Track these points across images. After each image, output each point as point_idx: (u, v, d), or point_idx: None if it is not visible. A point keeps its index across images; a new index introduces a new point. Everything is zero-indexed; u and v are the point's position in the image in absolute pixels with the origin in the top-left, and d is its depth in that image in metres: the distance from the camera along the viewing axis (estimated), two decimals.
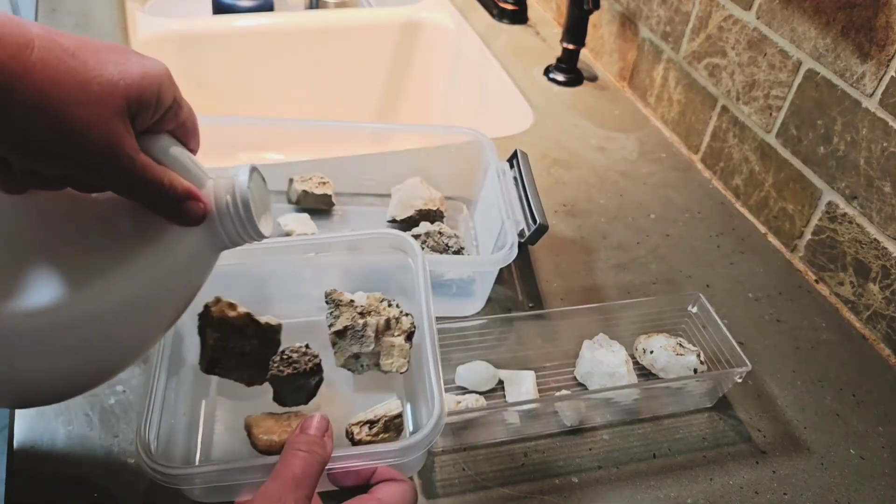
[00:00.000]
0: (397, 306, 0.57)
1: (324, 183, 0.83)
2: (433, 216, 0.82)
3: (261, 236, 0.43)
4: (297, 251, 0.59)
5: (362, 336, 0.55)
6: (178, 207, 0.39)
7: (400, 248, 0.60)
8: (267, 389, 0.55)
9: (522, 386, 0.66)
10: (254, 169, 0.42)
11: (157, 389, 0.50)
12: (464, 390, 0.66)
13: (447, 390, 0.66)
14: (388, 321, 0.56)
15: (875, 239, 0.76)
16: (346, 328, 0.55)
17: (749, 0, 0.88)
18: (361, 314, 0.56)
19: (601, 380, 0.66)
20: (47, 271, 0.37)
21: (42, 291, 0.37)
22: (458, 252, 0.76)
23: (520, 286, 0.78)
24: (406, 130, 0.90)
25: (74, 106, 0.34)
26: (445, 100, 1.35)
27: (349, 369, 0.56)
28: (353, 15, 1.35)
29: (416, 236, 0.77)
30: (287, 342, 0.56)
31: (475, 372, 0.66)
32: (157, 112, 0.39)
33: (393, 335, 0.55)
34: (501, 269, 0.73)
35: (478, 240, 0.83)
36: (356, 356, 0.55)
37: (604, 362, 0.66)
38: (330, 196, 0.82)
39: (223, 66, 1.23)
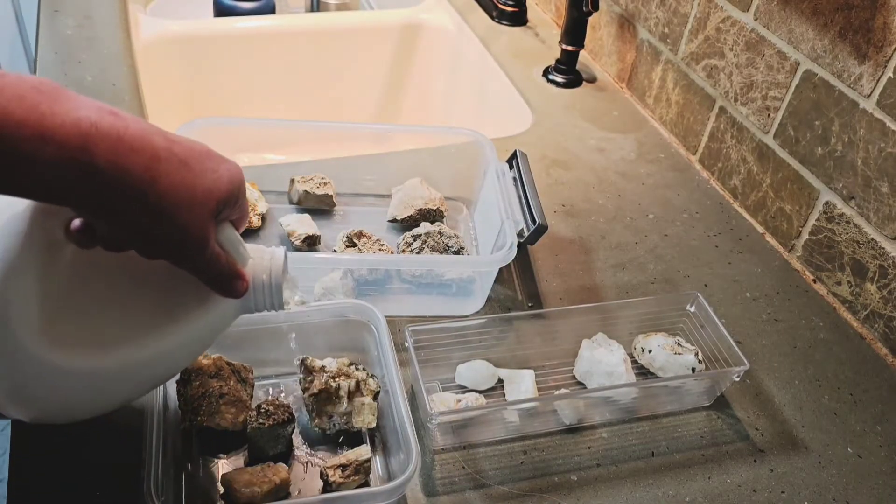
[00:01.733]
0: (363, 369, 0.62)
1: (325, 183, 0.83)
2: (433, 216, 0.83)
3: (282, 307, 0.51)
4: (275, 320, 0.64)
5: (336, 398, 0.60)
6: (229, 285, 0.47)
7: (363, 316, 0.65)
8: (234, 447, 0.60)
9: (522, 385, 0.66)
10: (286, 253, 0.51)
11: (154, 447, 0.52)
12: (464, 389, 0.67)
13: (447, 389, 0.67)
14: (357, 383, 0.61)
15: (872, 239, 0.77)
16: (321, 391, 0.60)
17: (747, 1, 0.88)
18: (334, 378, 0.60)
19: (600, 379, 0.67)
20: (112, 320, 0.45)
21: (108, 338, 0.44)
22: (458, 252, 0.77)
23: (519, 286, 0.78)
24: (406, 131, 0.90)
25: (184, 209, 0.41)
26: (445, 101, 1.35)
27: (322, 428, 0.61)
28: (354, 17, 1.36)
29: (416, 236, 0.77)
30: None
31: (475, 371, 0.67)
32: (234, 209, 0.47)
33: (363, 395, 0.61)
34: (501, 269, 0.74)
35: (477, 240, 0.84)
36: (330, 416, 0.60)
37: (602, 361, 0.67)
38: (331, 196, 0.83)
39: (224, 67, 1.24)
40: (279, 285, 0.49)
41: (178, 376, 0.61)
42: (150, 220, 0.41)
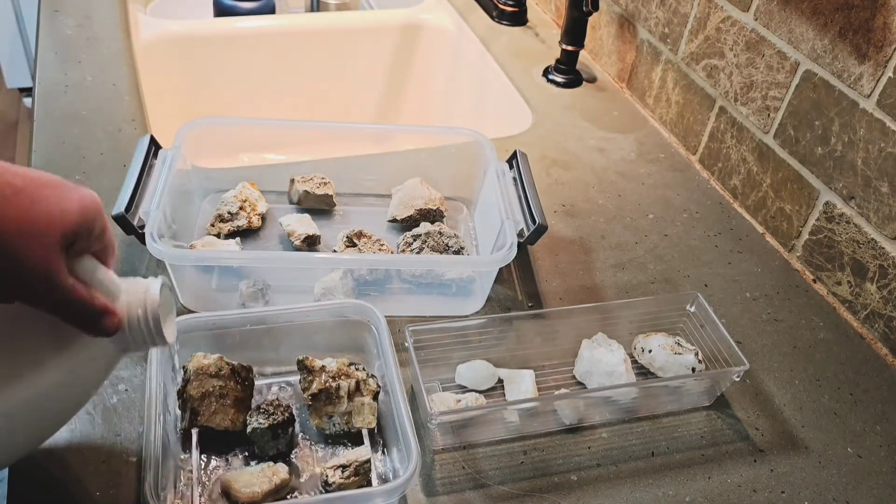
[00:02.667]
0: (363, 369, 0.62)
1: (325, 183, 0.83)
2: (433, 216, 0.83)
3: (164, 343, 0.47)
4: (274, 321, 0.64)
5: (336, 398, 0.60)
6: (96, 322, 0.43)
7: (363, 316, 0.65)
8: (234, 448, 0.60)
9: (522, 385, 0.66)
10: (163, 284, 0.47)
11: (155, 447, 0.53)
12: (464, 389, 0.67)
13: (447, 389, 0.67)
14: (357, 383, 0.61)
15: (872, 239, 0.77)
16: (321, 391, 0.60)
17: (747, 1, 0.88)
18: (334, 378, 0.60)
19: (600, 379, 0.67)
20: None
21: None
22: (458, 252, 0.77)
23: (519, 286, 0.78)
24: (406, 131, 0.90)
25: (17, 238, 0.38)
26: (445, 101, 1.35)
27: (321, 428, 0.61)
28: (354, 17, 1.36)
29: (417, 236, 0.77)
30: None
31: (475, 371, 0.67)
32: (90, 239, 0.44)
33: (362, 395, 0.61)
34: (501, 269, 0.74)
35: (477, 240, 0.84)
36: (329, 416, 0.60)
37: (602, 361, 0.67)
38: (331, 196, 0.83)
39: (224, 67, 1.24)
40: (157, 319, 0.45)
41: (178, 377, 0.61)
42: None
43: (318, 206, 0.83)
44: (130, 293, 0.46)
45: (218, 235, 0.77)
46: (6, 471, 0.55)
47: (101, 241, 0.45)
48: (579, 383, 0.69)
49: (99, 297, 0.44)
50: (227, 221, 0.78)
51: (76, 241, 0.42)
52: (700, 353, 0.68)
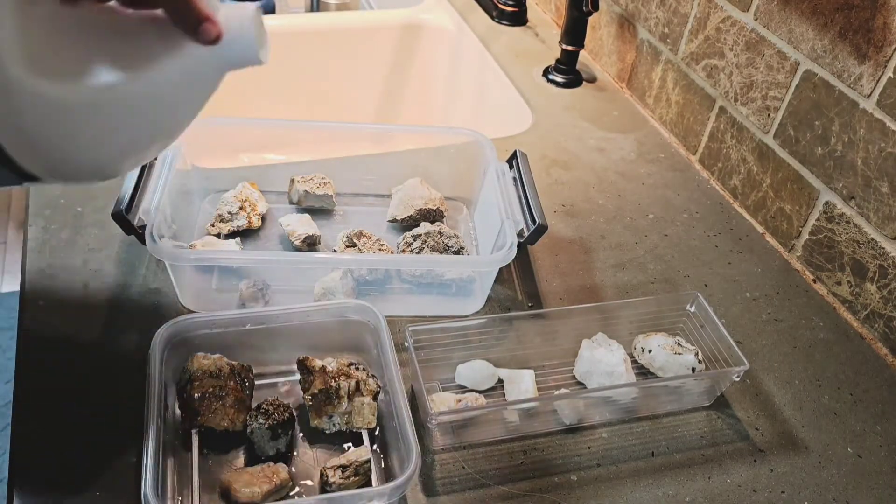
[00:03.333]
0: (363, 369, 0.62)
1: (325, 183, 0.83)
2: (433, 216, 0.83)
3: (259, 62, 0.51)
4: (274, 321, 0.64)
5: (336, 398, 0.60)
6: (198, 26, 0.48)
7: (363, 316, 0.65)
8: (234, 448, 0.60)
9: (522, 384, 0.66)
10: (258, 7, 0.51)
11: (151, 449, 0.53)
12: (464, 389, 0.67)
13: (447, 389, 0.67)
14: (357, 383, 0.61)
15: (872, 239, 0.77)
16: (321, 391, 0.60)
17: (747, 1, 0.88)
18: (334, 378, 0.60)
19: (600, 378, 0.67)
20: (93, 59, 0.47)
21: (90, 73, 0.46)
22: (458, 252, 0.77)
23: (519, 286, 0.78)
24: (406, 131, 0.90)
25: None
26: (445, 101, 1.35)
27: (321, 428, 0.61)
28: (354, 17, 1.36)
29: (416, 236, 0.77)
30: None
31: (475, 370, 0.67)
32: None
33: (362, 395, 0.61)
34: (501, 269, 0.74)
35: (477, 240, 0.84)
36: (329, 416, 0.60)
37: (602, 361, 0.67)
38: (331, 196, 0.83)
39: None
40: (251, 34, 0.50)
41: (178, 377, 0.61)
42: None
43: (318, 206, 0.83)
44: (229, 10, 0.50)
45: (218, 235, 0.77)
46: (6, 471, 0.55)
47: None
48: (579, 383, 0.69)
49: (204, 3, 0.48)
50: (227, 221, 0.78)
51: None
52: (700, 353, 0.68)
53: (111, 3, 0.48)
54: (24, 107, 0.44)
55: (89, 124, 0.48)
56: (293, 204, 0.84)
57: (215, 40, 0.48)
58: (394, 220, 0.83)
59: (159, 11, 0.48)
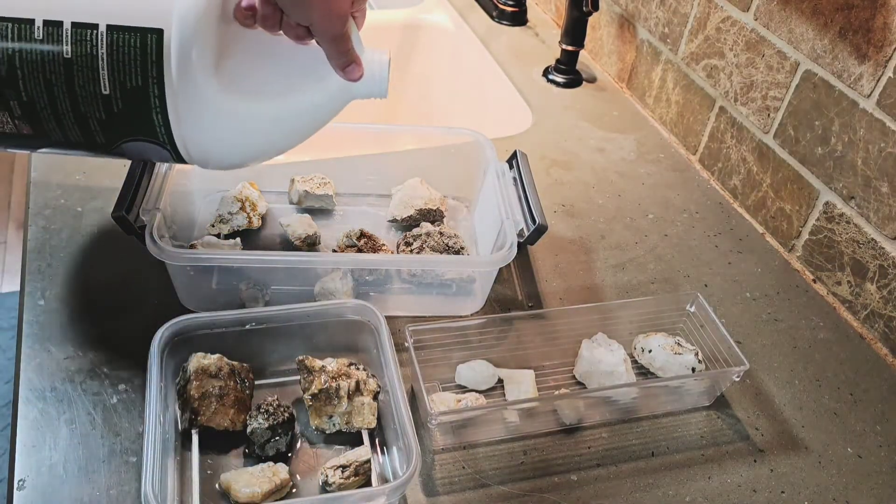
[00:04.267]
0: (364, 369, 0.62)
1: (325, 183, 0.83)
2: (433, 216, 0.83)
3: (384, 97, 0.63)
4: (274, 321, 0.65)
5: (336, 398, 0.60)
6: (349, 66, 0.58)
7: (363, 316, 0.65)
8: (234, 448, 0.60)
9: (522, 385, 0.66)
10: (389, 54, 0.61)
11: (154, 449, 0.53)
12: (464, 389, 0.67)
13: (447, 389, 0.67)
14: (357, 383, 0.61)
15: (872, 239, 0.77)
16: (321, 391, 0.60)
17: (747, 1, 0.88)
18: (334, 378, 0.60)
19: (600, 378, 0.67)
20: (264, 78, 0.57)
21: (261, 90, 0.57)
22: (458, 252, 0.77)
23: (519, 286, 0.78)
24: (406, 131, 0.90)
25: None
26: (445, 101, 1.35)
27: (321, 428, 0.61)
28: None
29: (417, 236, 0.77)
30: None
31: (475, 371, 0.67)
32: (360, 4, 0.58)
33: (362, 395, 0.61)
34: (501, 269, 0.74)
35: (477, 240, 0.84)
36: (329, 416, 0.60)
37: (602, 361, 0.67)
38: (331, 196, 0.83)
39: None
40: (385, 77, 0.60)
41: (178, 377, 0.61)
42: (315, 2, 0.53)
43: (319, 206, 0.83)
44: (368, 55, 0.60)
45: (218, 235, 0.77)
46: (6, 471, 0.55)
47: (361, 9, 0.59)
48: (579, 383, 0.69)
49: (354, 48, 0.58)
50: (227, 221, 0.78)
51: (356, 1, 0.57)
52: (700, 353, 0.68)
53: (279, 32, 0.57)
54: (207, 113, 0.54)
55: (246, 131, 0.58)
56: (293, 204, 0.84)
57: (358, 79, 0.59)
58: (394, 220, 0.83)
59: (314, 44, 0.58)
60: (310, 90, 0.59)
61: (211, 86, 0.54)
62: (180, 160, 0.58)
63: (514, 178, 0.78)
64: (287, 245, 0.79)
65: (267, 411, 0.59)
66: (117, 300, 0.70)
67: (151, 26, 0.51)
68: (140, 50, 0.51)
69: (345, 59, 0.58)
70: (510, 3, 1.30)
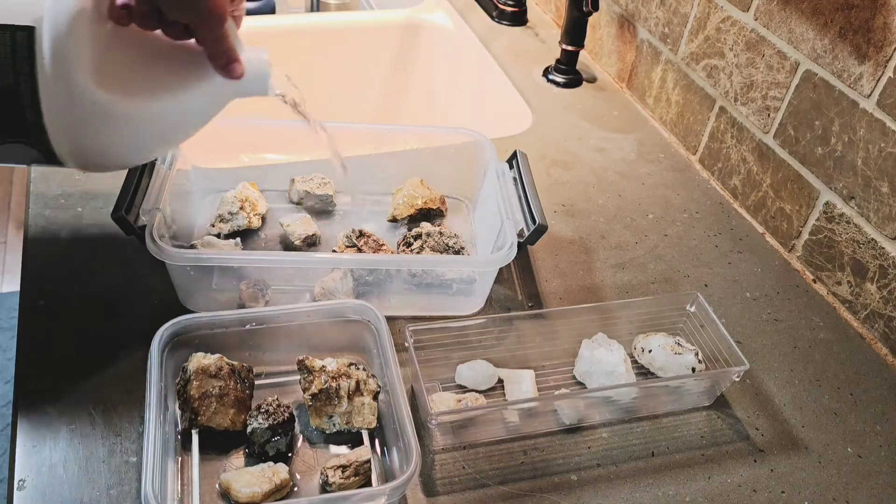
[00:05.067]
0: (364, 369, 0.62)
1: (325, 183, 0.83)
2: (433, 216, 0.83)
3: (266, 94, 0.63)
4: (274, 321, 0.64)
5: (336, 398, 0.60)
6: (229, 65, 0.58)
7: (363, 316, 0.65)
8: (234, 448, 0.60)
9: (522, 385, 0.66)
10: (268, 53, 0.62)
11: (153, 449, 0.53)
12: (464, 389, 0.67)
13: (447, 389, 0.67)
14: (357, 383, 0.61)
15: (872, 239, 0.77)
16: (321, 391, 0.60)
17: (747, 1, 0.88)
18: (334, 378, 0.60)
19: (600, 378, 0.67)
20: (141, 78, 0.56)
21: (138, 90, 0.55)
22: (459, 252, 0.77)
23: (519, 286, 0.78)
24: (406, 131, 0.90)
25: None
26: (445, 101, 1.35)
27: (321, 428, 0.61)
28: (354, 17, 1.36)
29: (417, 236, 0.77)
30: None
31: (475, 370, 0.67)
32: (238, 2, 0.58)
33: (362, 395, 0.61)
34: (501, 269, 0.74)
35: (477, 240, 0.84)
36: (329, 416, 0.60)
37: (602, 361, 0.67)
38: (331, 196, 0.83)
39: None
40: (266, 74, 0.61)
41: (178, 377, 0.61)
42: None
43: (319, 206, 0.83)
44: (248, 53, 0.59)
45: (218, 235, 0.77)
46: (6, 471, 0.55)
47: (239, 9, 0.59)
48: (579, 383, 0.69)
49: (235, 46, 0.57)
50: (227, 221, 0.78)
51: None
52: (700, 353, 0.68)
53: (157, 31, 0.56)
54: (81, 109, 0.53)
55: (124, 129, 0.56)
56: (293, 204, 0.84)
57: (239, 77, 0.59)
58: (394, 220, 0.83)
59: (194, 43, 0.57)
60: (191, 89, 0.58)
61: (86, 85, 0.52)
62: (54, 162, 0.56)
63: (514, 178, 0.78)
64: (287, 245, 0.79)
65: (267, 411, 0.59)
66: (117, 300, 0.70)
67: (22, 24, 0.50)
68: (10, 48, 0.50)
69: (225, 58, 0.57)
70: (510, 3, 1.30)
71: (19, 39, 0.50)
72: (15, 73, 0.51)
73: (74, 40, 0.51)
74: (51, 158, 0.55)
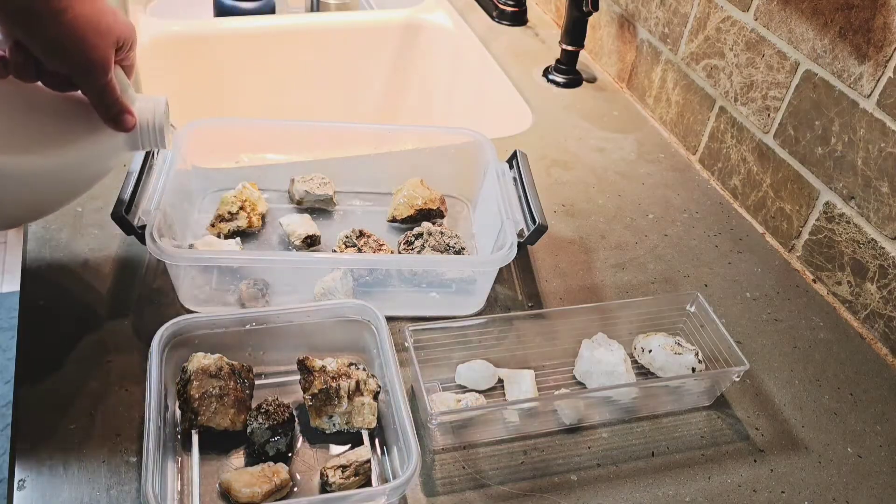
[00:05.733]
0: (364, 369, 0.62)
1: (325, 183, 0.83)
2: (433, 216, 0.83)
3: (165, 148, 0.60)
4: (274, 321, 0.64)
5: (336, 398, 0.60)
6: (118, 116, 0.55)
7: (363, 316, 0.65)
8: (234, 448, 0.60)
9: (522, 385, 0.66)
10: (166, 102, 0.59)
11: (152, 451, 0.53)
12: (464, 389, 0.67)
13: (447, 389, 0.67)
14: (357, 383, 0.61)
15: (872, 239, 0.77)
16: (321, 391, 0.60)
17: (747, 1, 0.88)
18: (334, 378, 0.60)
19: (600, 378, 0.67)
20: (28, 134, 0.53)
21: (27, 147, 0.53)
22: (459, 252, 0.77)
23: (519, 286, 0.78)
24: (406, 131, 0.90)
25: (91, 34, 0.51)
26: (445, 101, 1.35)
27: (322, 428, 0.61)
28: (354, 17, 1.36)
29: (417, 236, 0.77)
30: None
31: (475, 370, 0.67)
32: (126, 51, 0.55)
33: (362, 395, 0.61)
34: (501, 269, 0.74)
35: (477, 240, 0.84)
36: (330, 416, 0.60)
37: (602, 361, 0.67)
38: (331, 196, 0.83)
39: (225, 67, 1.24)
40: (162, 126, 0.58)
41: (178, 377, 0.61)
42: (64, 39, 0.50)
43: (318, 207, 0.83)
44: (142, 103, 0.57)
45: (218, 235, 0.77)
46: (6, 471, 0.55)
47: (129, 59, 0.57)
48: (579, 383, 0.69)
49: (124, 98, 0.55)
50: (227, 221, 0.78)
51: (121, 48, 0.54)
52: (700, 353, 0.68)
53: (37, 83, 0.54)
54: None
55: (12, 188, 0.53)
56: (293, 204, 0.84)
57: (131, 129, 0.57)
58: (394, 220, 0.83)
59: (80, 94, 0.54)
60: (82, 142, 0.55)
61: None
62: None
63: (514, 178, 0.78)
64: (287, 245, 0.79)
65: (267, 411, 0.59)
66: (117, 300, 0.70)
67: None
68: None
69: (113, 110, 0.55)
70: (510, 3, 1.30)
71: None
72: None
73: None
74: None
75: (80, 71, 0.52)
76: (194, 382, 0.59)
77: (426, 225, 0.78)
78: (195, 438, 0.58)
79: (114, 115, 0.55)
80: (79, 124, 0.55)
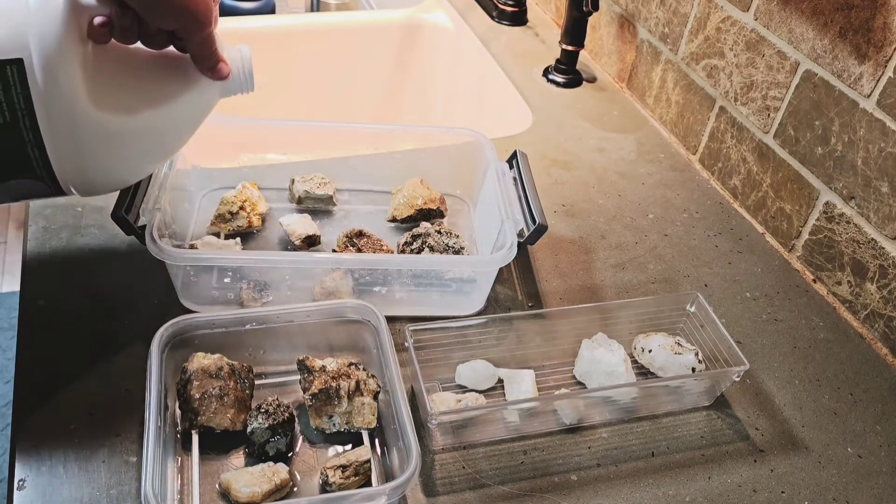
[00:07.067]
0: (364, 369, 0.62)
1: (325, 183, 0.83)
2: (433, 216, 0.83)
3: (252, 89, 0.63)
4: (274, 321, 0.65)
5: (336, 398, 0.60)
6: (216, 65, 0.58)
7: (363, 316, 0.65)
8: (234, 448, 0.60)
9: (522, 384, 0.66)
10: (250, 49, 0.62)
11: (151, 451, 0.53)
12: (464, 389, 0.67)
13: (447, 389, 0.67)
14: (357, 383, 0.61)
15: (872, 239, 0.77)
16: (321, 391, 0.60)
17: (747, 1, 0.88)
18: (334, 378, 0.60)
19: (600, 378, 0.67)
20: (132, 93, 0.56)
21: (132, 106, 0.56)
22: (459, 252, 0.77)
23: (519, 286, 0.78)
24: (406, 131, 0.90)
25: None
26: (445, 101, 1.35)
27: (322, 428, 0.61)
28: (354, 17, 1.36)
29: (417, 236, 0.77)
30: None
31: (475, 370, 0.67)
32: (217, 5, 0.57)
33: (362, 395, 0.61)
34: (501, 269, 0.74)
35: (477, 240, 0.84)
36: (330, 416, 0.60)
37: (602, 361, 0.67)
38: (331, 196, 0.83)
39: None
40: (251, 71, 0.61)
41: (178, 377, 0.61)
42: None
43: (319, 206, 0.83)
44: (230, 52, 0.60)
45: (218, 235, 0.77)
46: (6, 471, 0.55)
47: (216, 8, 0.58)
48: (579, 383, 0.69)
49: (219, 48, 0.58)
50: (228, 221, 0.78)
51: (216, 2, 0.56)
52: (700, 353, 0.68)
53: (137, 45, 0.56)
54: (85, 136, 0.53)
55: (125, 146, 0.56)
56: (293, 203, 0.84)
57: (226, 77, 0.59)
58: (394, 220, 0.83)
59: (172, 50, 0.57)
60: (179, 96, 0.58)
61: (86, 107, 0.52)
62: (59, 193, 0.56)
63: (514, 178, 0.78)
64: (287, 245, 0.79)
65: (267, 411, 0.59)
66: (117, 300, 0.70)
67: (9, 57, 0.49)
68: (2, 83, 0.49)
69: (213, 60, 0.58)
70: (510, 3, 1.30)
71: (10, 74, 0.49)
72: (11, 109, 0.50)
73: (67, 65, 0.50)
74: (58, 189, 0.55)
75: (186, 24, 0.54)
76: (194, 382, 0.59)
77: (426, 225, 0.78)
78: (195, 438, 0.58)
79: (212, 64, 0.58)
80: (177, 78, 0.58)
